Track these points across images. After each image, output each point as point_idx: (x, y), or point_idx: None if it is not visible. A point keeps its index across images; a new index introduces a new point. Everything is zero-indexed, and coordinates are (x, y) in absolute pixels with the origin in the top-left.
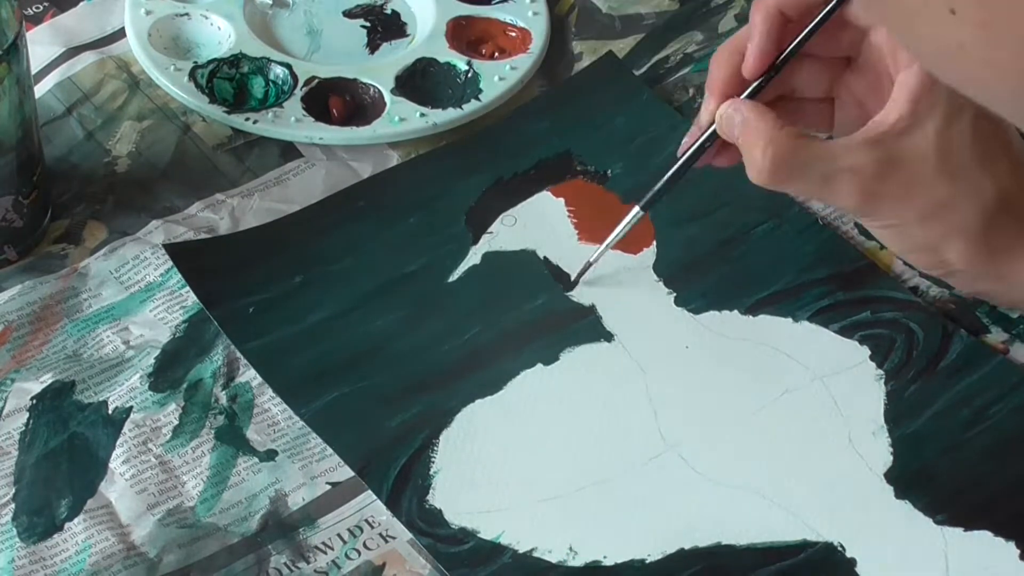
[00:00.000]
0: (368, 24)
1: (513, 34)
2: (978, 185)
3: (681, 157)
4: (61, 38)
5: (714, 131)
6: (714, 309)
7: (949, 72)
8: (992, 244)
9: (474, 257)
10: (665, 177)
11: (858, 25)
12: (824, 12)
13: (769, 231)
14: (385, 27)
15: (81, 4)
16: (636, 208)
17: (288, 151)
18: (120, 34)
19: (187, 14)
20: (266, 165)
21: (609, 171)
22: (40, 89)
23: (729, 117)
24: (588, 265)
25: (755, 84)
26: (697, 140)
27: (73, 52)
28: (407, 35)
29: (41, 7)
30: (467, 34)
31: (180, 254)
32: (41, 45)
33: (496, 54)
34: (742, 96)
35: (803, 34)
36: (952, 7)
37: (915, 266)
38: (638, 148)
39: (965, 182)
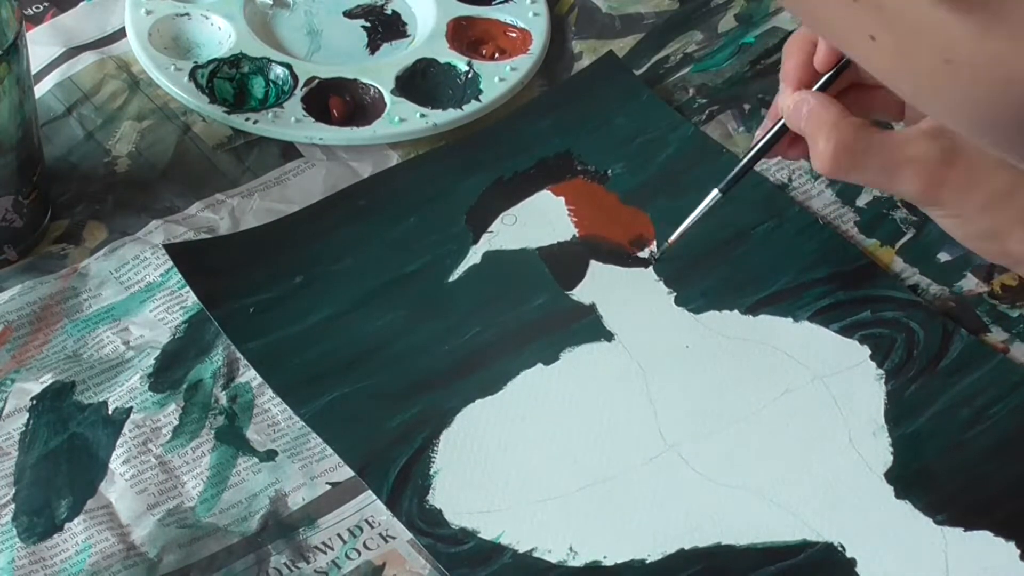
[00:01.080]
0: (368, 24)
1: (513, 35)
2: None
3: (755, 145)
4: (61, 38)
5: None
6: (714, 309)
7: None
8: None
9: (474, 256)
10: (741, 163)
11: None
12: None
13: (769, 231)
14: (385, 27)
15: (81, 4)
16: (715, 191)
17: (288, 151)
18: (120, 34)
19: (187, 14)
20: (266, 165)
21: (609, 171)
22: (40, 89)
23: (796, 108)
24: (668, 245)
25: (826, 76)
26: (770, 130)
27: (73, 52)
28: (407, 35)
29: (41, 7)
30: (467, 35)
31: (180, 254)
32: (41, 45)
33: (496, 55)
34: (813, 88)
35: None
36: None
37: (978, 254)
38: (638, 148)
39: None
